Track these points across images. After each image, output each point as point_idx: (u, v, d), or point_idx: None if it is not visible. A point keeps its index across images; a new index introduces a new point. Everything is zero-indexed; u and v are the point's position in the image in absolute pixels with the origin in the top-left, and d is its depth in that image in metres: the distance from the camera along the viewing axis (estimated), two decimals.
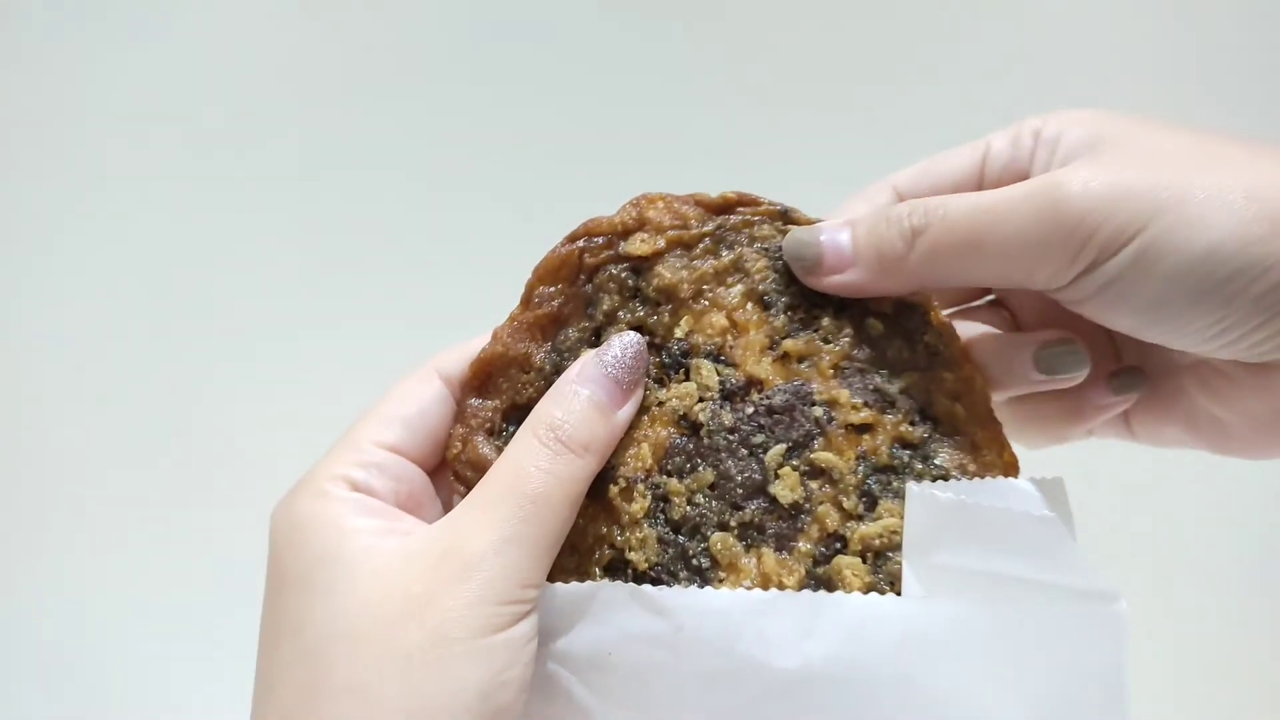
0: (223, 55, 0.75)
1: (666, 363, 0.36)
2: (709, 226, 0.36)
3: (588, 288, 0.36)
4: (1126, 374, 0.37)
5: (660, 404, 0.35)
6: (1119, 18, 0.72)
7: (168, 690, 0.73)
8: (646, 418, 0.35)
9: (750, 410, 0.35)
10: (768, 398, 0.35)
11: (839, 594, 0.31)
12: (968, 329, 0.38)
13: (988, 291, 0.41)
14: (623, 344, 0.34)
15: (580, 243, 0.36)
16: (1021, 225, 0.30)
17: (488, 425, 0.35)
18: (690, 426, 0.35)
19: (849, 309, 0.35)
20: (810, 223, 0.36)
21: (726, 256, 0.36)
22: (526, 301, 0.36)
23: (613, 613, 0.32)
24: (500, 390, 0.36)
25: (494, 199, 0.75)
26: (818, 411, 0.34)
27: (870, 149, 0.69)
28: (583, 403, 0.33)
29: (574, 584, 0.32)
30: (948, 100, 0.72)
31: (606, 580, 0.33)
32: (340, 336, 0.73)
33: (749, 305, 0.35)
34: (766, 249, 0.36)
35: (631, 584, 0.32)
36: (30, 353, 0.77)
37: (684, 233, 0.36)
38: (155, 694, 0.73)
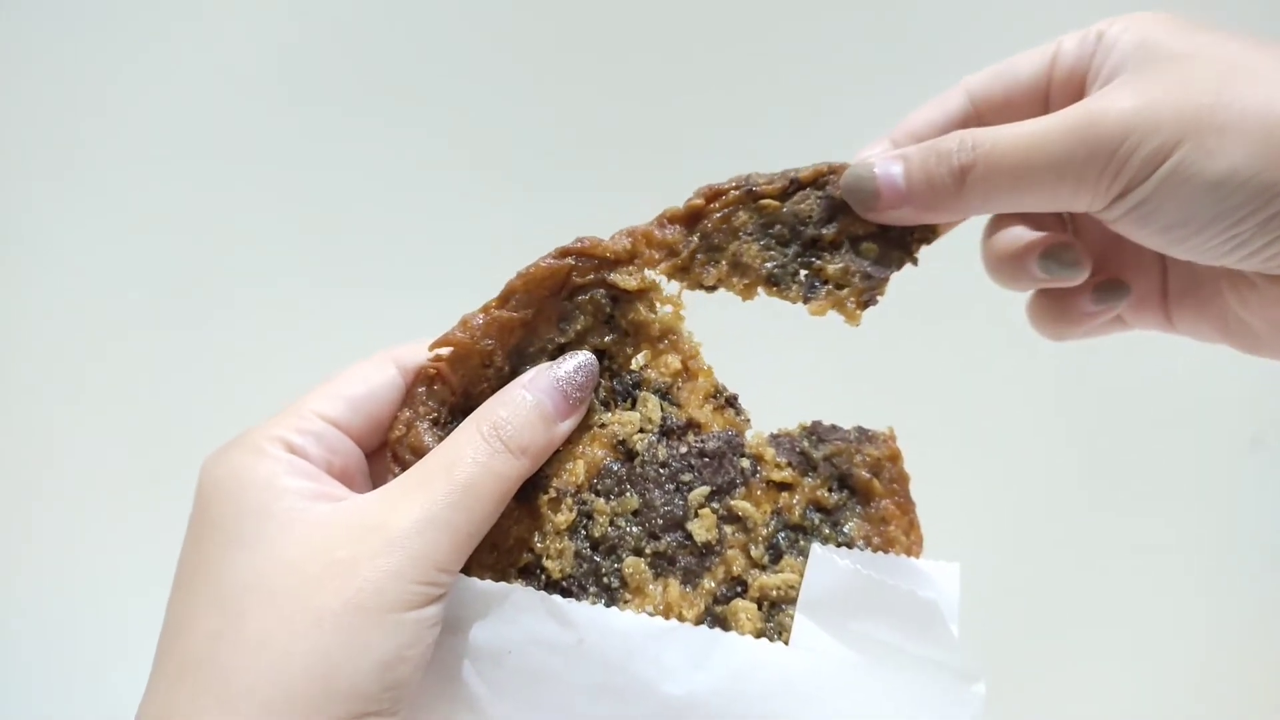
0: (219, 40, 0.74)
1: (618, 389, 0.38)
2: (695, 241, 0.38)
3: (566, 304, 0.37)
4: (1108, 285, 0.40)
5: (603, 425, 0.37)
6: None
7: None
8: (587, 436, 0.37)
9: (684, 449, 0.37)
10: (703, 441, 0.37)
11: (733, 634, 0.33)
12: (1004, 231, 0.40)
13: None
14: (577, 362, 0.36)
15: (570, 260, 0.37)
16: (1061, 156, 0.32)
17: (433, 415, 0.37)
18: (626, 453, 0.37)
19: (840, 247, 0.37)
20: (777, 190, 0.38)
21: (723, 263, 0.38)
22: (504, 301, 0.37)
23: (522, 615, 0.33)
24: (454, 380, 0.37)
25: (495, 206, 0.75)
26: (745, 463, 0.37)
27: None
28: (529, 408, 0.34)
29: (490, 581, 0.34)
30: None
31: (521, 583, 0.35)
32: (338, 338, 0.73)
33: (759, 290, 0.38)
34: (752, 233, 0.38)
35: (544, 591, 0.34)
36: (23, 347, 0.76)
37: (677, 260, 0.38)
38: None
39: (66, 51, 0.73)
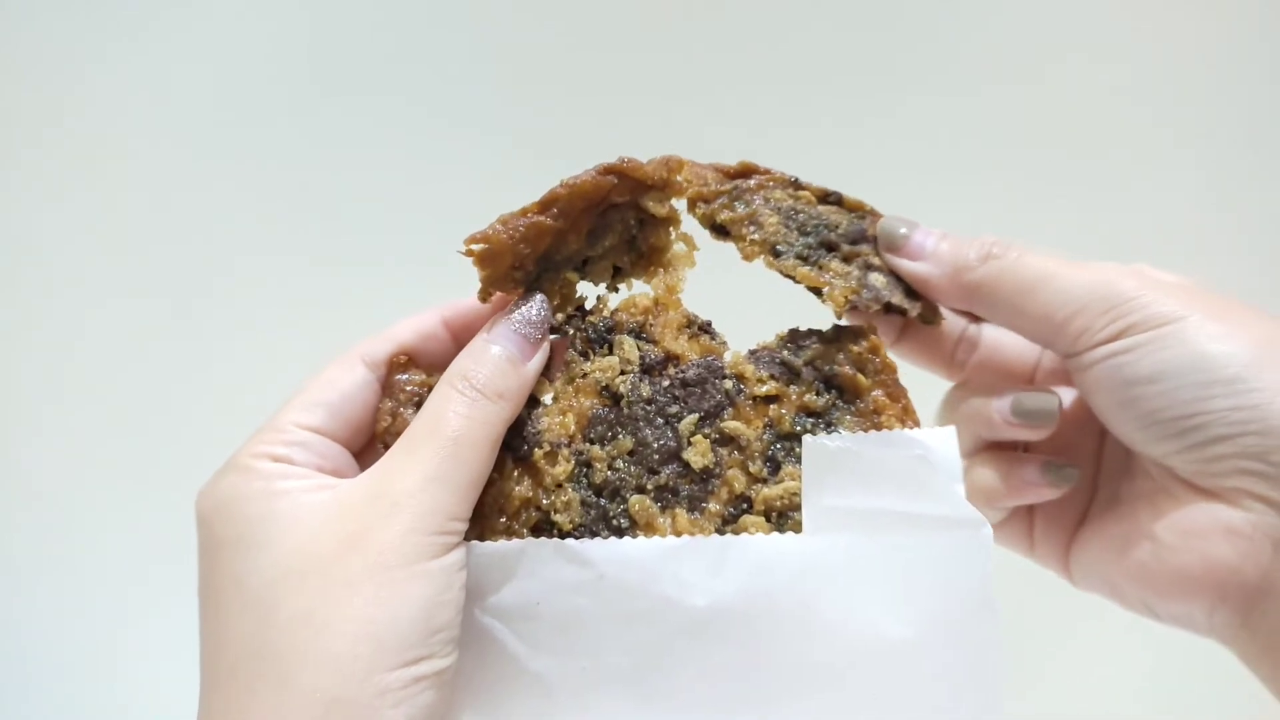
0: (199, 32, 0.75)
1: (592, 337, 0.38)
2: (726, 186, 0.40)
3: (599, 220, 0.39)
4: (1061, 463, 0.41)
5: (584, 375, 0.38)
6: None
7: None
8: (571, 388, 0.37)
9: (666, 383, 0.37)
10: (683, 371, 0.38)
11: (744, 536, 0.33)
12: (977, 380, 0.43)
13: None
14: (528, 302, 0.37)
15: (612, 178, 0.38)
16: (1075, 287, 0.36)
17: (416, 399, 0.37)
18: (612, 397, 0.37)
19: (851, 263, 0.39)
20: (819, 191, 0.40)
21: (741, 210, 0.39)
22: (545, 207, 0.37)
23: (540, 567, 0.34)
24: (426, 369, 0.38)
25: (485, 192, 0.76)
26: (728, 384, 0.37)
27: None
28: (494, 356, 0.35)
29: (503, 542, 0.34)
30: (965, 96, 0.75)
31: (533, 539, 0.35)
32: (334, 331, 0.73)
33: (759, 255, 0.39)
34: (779, 208, 0.39)
35: (556, 539, 0.34)
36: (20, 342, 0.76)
37: (704, 189, 0.39)
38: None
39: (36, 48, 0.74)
